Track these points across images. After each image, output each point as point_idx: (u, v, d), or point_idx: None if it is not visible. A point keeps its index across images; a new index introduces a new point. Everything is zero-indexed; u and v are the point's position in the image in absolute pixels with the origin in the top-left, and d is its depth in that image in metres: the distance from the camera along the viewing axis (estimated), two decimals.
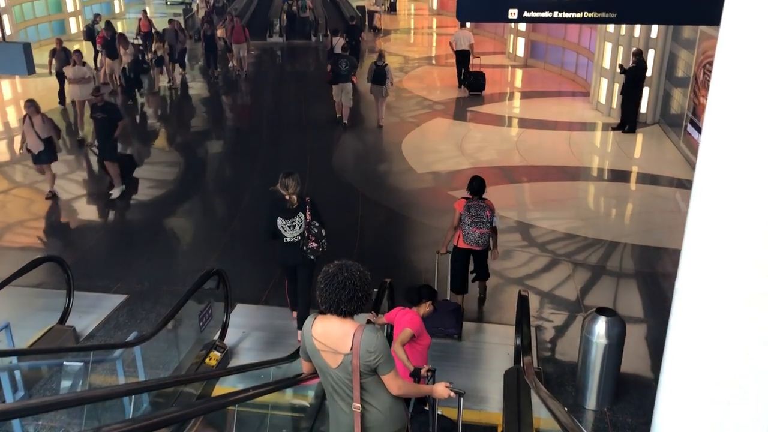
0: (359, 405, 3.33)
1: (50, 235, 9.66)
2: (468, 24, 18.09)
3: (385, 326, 5.25)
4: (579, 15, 7.71)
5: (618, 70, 13.59)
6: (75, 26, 25.61)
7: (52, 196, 10.27)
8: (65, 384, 4.87)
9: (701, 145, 2.30)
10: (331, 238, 6.49)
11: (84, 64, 13.30)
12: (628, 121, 13.47)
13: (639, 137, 13.35)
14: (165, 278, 8.08)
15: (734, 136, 2.16)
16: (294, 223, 6.30)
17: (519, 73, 19.55)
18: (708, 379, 2.31)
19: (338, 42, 16.21)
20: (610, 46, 14.47)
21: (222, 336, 6.54)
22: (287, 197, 6.25)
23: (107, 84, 16.41)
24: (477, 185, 6.88)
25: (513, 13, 7.87)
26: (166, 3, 31.03)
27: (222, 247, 8.97)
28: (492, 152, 12.61)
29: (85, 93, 12.80)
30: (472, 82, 16.58)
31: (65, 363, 4.83)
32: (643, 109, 13.79)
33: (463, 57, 16.98)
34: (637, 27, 13.59)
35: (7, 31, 19.69)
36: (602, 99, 14.87)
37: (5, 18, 19.68)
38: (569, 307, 7.56)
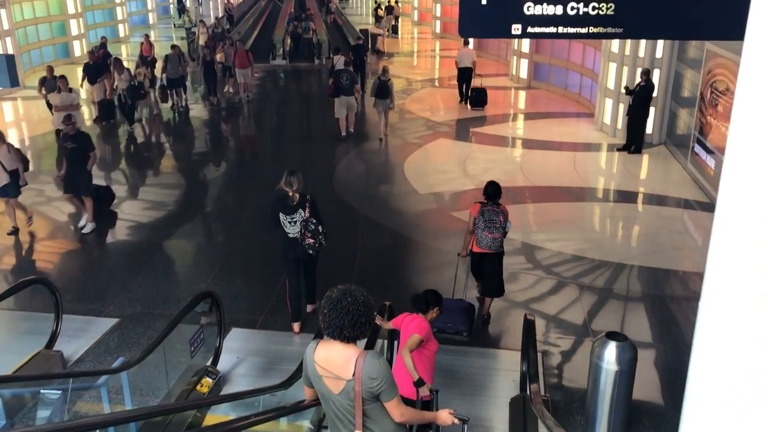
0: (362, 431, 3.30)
1: (40, 258, 9.42)
2: (471, 43, 18.19)
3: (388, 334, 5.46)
4: (584, 30, 7.53)
5: (623, 92, 13.43)
6: (79, 49, 25.64)
7: (14, 231, 9.65)
8: (42, 414, 4.61)
9: (725, 162, 2.09)
10: (330, 259, 6.54)
11: (71, 90, 12.73)
12: (634, 141, 13.27)
13: (645, 158, 13.13)
14: (158, 301, 7.84)
15: (759, 151, 1.95)
16: (294, 219, 6.71)
17: (522, 94, 19.41)
18: (734, 400, 2.07)
19: (339, 60, 16.53)
20: (614, 66, 14.32)
21: (215, 362, 6.27)
22: (290, 194, 6.66)
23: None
24: (492, 190, 7.02)
25: (516, 28, 7.70)
26: (173, 26, 31.06)
27: (218, 270, 8.73)
28: (496, 173, 12.36)
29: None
30: (474, 98, 17.11)
31: (43, 391, 4.57)
32: (648, 129, 13.59)
33: (465, 74, 17.46)
34: (642, 47, 13.45)
35: (10, 53, 19.70)
36: (607, 120, 14.68)
37: (8, 40, 19.68)
38: (576, 332, 7.29)
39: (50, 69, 14.49)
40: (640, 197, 11.46)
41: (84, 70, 16.59)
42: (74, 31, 25.68)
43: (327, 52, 24.23)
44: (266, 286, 8.17)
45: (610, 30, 7.60)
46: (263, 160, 14.19)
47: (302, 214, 6.68)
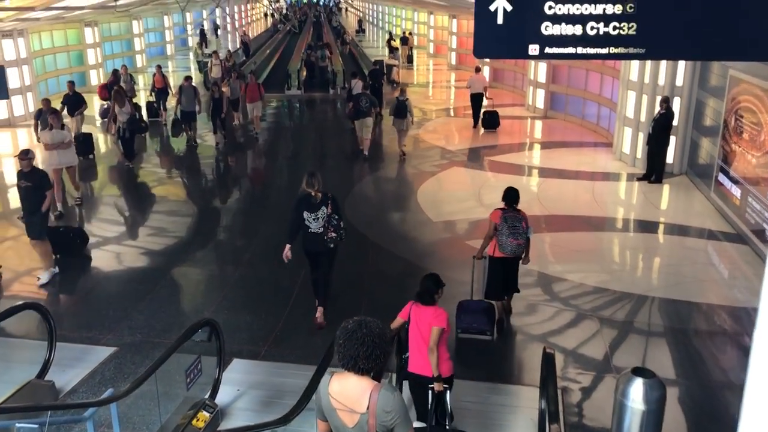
0: None
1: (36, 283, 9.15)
2: (486, 62, 18.16)
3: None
4: (605, 51, 7.23)
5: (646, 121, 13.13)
6: (96, 79, 25.79)
7: None
8: None
9: None
10: (341, 287, 7.19)
11: (63, 127, 11.50)
12: (655, 171, 12.89)
13: (666, 187, 12.74)
14: (159, 330, 7.53)
15: None
16: (317, 216, 7.31)
17: (539, 124, 19.14)
18: None
19: (357, 84, 17.06)
20: (633, 95, 14.02)
21: (213, 394, 5.92)
22: (313, 193, 7.27)
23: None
24: (512, 195, 7.23)
25: (534, 49, 7.40)
26: (197, 57, 31.11)
27: (222, 299, 8.42)
28: None
29: (65, 159, 11.45)
30: (487, 120, 17.91)
31: (18, 425, 4.24)
32: (669, 158, 13.22)
33: (477, 99, 18.18)
34: (662, 74, 13.14)
35: (27, 81, 19.78)
36: (626, 149, 14.33)
37: (26, 68, 19.75)
38: (597, 367, 6.87)
39: (46, 102, 13.29)
40: (662, 227, 11.06)
41: (63, 102, 15.76)
42: (91, 61, 25.87)
43: (342, 82, 24.19)
44: (271, 317, 7.85)
45: (631, 50, 7.28)
46: (272, 191, 13.95)
47: (325, 211, 7.28)
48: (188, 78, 16.63)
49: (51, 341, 6.30)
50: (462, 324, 7.20)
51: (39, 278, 8.86)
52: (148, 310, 8.00)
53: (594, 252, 10.04)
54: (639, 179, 13.12)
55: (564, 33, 7.61)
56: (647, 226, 11.05)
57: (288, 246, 7.41)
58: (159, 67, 20.03)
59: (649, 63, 13.31)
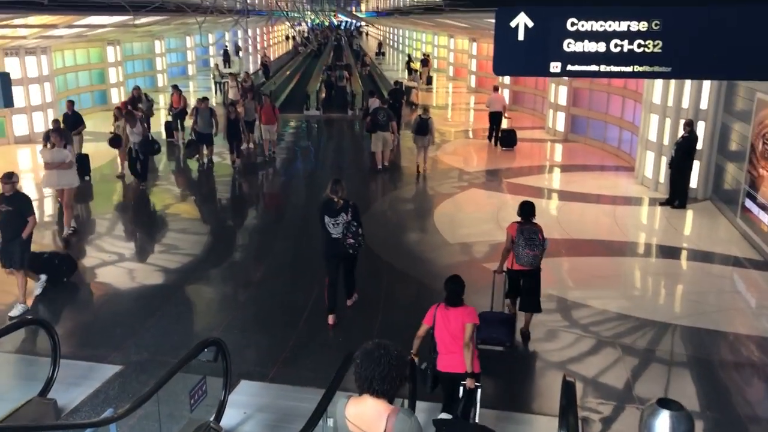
0: None
1: (45, 298, 9.01)
2: (506, 83, 18.11)
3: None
4: (629, 69, 7.02)
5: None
6: (117, 97, 25.96)
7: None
8: None
9: None
10: (353, 309, 7.35)
11: (65, 146, 10.82)
12: (678, 195, 12.59)
13: (689, 213, 12.42)
14: (167, 348, 7.34)
15: None
16: (337, 222, 7.61)
17: (559, 147, 18.90)
18: None
19: (374, 102, 17.58)
20: (656, 118, 13.76)
21: (218, 417, 5.71)
22: (335, 199, 7.59)
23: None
24: (528, 209, 7.39)
25: (555, 66, 7.21)
26: (215, 78, 31.30)
27: (232, 318, 8.24)
28: None
29: (65, 181, 10.76)
30: (504, 139, 18.21)
31: None
32: (693, 183, 12.91)
33: (495, 118, 18.50)
34: (686, 98, 12.89)
35: (48, 98, 19.94)
36: (648, 173, 14.04)
37: (47, 85, 19.91)
38: (619, 397, 6.58)
39: (55, 121, 13.09)
40: (685, 254, 10.74)
41: (63, 121, 14.73)
42: (113, 79, 26.07)
43: (360, 103, 24.16)
44: (281, 338, 7.65)
45: (657, 69, 7.07)
46: (286, 211, 13.81)
47: (345, 218, 7.56)
48: (204, 99, 16.15)
49: (55, 358, 6.13)
50: (481, 335, 6.91)
51: (9, 313, 8.06)
52: (156, 328, 7.83)
53: (615, 278, 9.75)
54: (661, 204, 12.82)
55: (587, 50, 7.42)
56: (670, 252, 10.74)
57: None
58: (176, 87, 19.90)
59: (672, 85, 13.08)
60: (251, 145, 18.30)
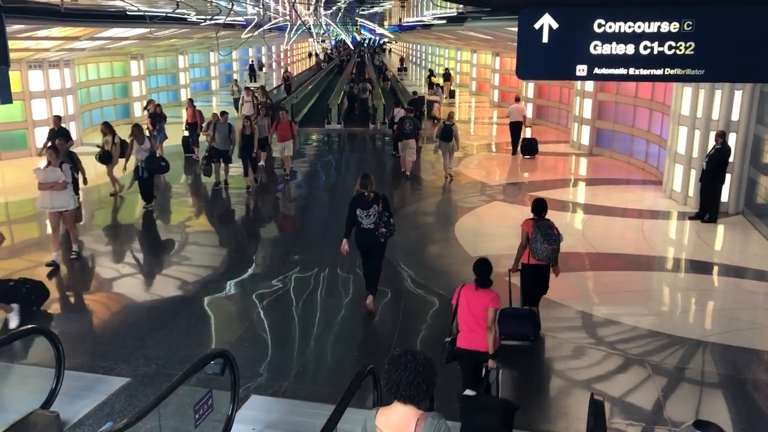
0: None
1: (53, 308, 8.85)
2: (529, 97, 17.87)
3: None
4: (659, 72, 6.69)
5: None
6: (139, 111, 26.07)
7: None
8: None
9: None
10: (371, 322, 7.32)
11: (61, 165, 9.90)
12: (709, 209, 12.16)
13: (721, 227, 11.98)
14: (176, 361, 7.10)
15: None
16: (369, 213, 8.12)
17: (584, 161, 18.52)
18: None
19: (399, 112, 18.30)
20: (685, 130, 13.36)
21: None
22: (366, 193, 8.09)
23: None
24: (541, 206, 7.65)
25: (581, 69, 6.91)
26: (233, 94, 31.30)
27: (244, 331, 7.98)
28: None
29: (59, 202, 9.87)
30: (526, 147, 18.59)
31: None
32: (724, 197, 12.47)
33: (516, 127, 18.92)
34: (716, 109, 12.49)
35: (71, 111, 20.01)
36: (677, 187, 13.62)
37: (70, 98, 19.99)
38: (649, 418, 6.20)
39: (52, 136, 12.42)
40: (717, 269, 10.30)
41: (49, 137, 14.07)
42: (136, 93, 26.20)
43: (382, 117, 24.01)
44: (294, 351, 7.39)
45: (689, 72, 6.72)
46: (303, 230, 13.56)
47: (376, 209, 8.08)
48: (224, 113, 15.06)
49: (59, 369, 5.91)
50: (506, 329, 7.14)
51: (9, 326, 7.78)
52: (167, 341, 7.60)
53: (644, 293, 9.35)
54: (691, 218, 12.39)
55: (615, 52, 7.09)
56: (701, 267, 10.32)
57: (345, 240, 8.20)
58: (191, 101, 19.44)
59: (702, 96, 12.68)
60: (262, 163, 16.86)
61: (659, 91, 15.93)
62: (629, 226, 12.22)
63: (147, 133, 15.79)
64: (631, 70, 6.54)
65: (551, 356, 7.43)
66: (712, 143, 12.18)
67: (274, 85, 35.04)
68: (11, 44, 16.03)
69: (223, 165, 15.20)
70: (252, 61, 46.53)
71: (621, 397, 6.52)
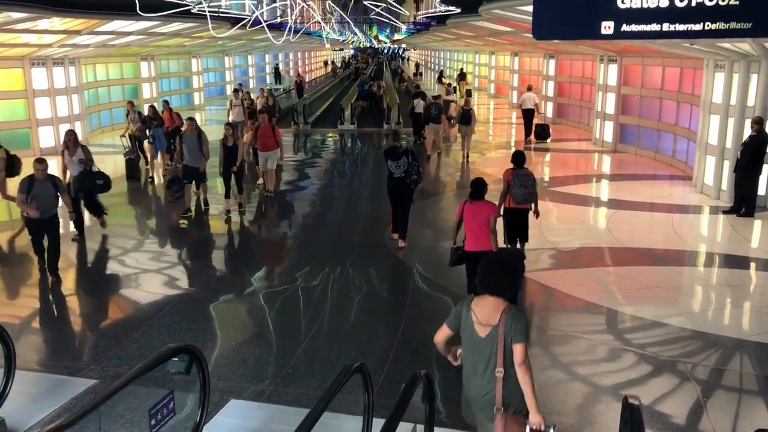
0: (501, 369, 3.83)
1: (17, 303, 8.16)
2: (549, 96, 17.00)
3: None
4: (698, 27, 5.83)
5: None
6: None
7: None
8: None
9: None
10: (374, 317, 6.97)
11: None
12: (745, 203, 11.21)
13: (758, 222, 11.02)
14: None
15: None
16: (399, 164, 9.46)
17: (607, 158, 17.58)
18: None
19: (418, 103, 19.50)
20: (717, 119, 12.43)
21: None
22: (398, 145, 9.58)
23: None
24: (520, 157, 8.66)
25: (607, 27, 6.04)
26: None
27: (229, 330, 7.22)
28: (578, 233, 10.62)
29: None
30: (539, 132, 19.67)
31: None
32: (761, 190, 11.51)
33: (528, 114, 20.08)
34: (752, 94, 11.55)
35: (75, 111, 19.50)
36: (708, 180, 12.68)
37: (75, 98, 19.48)
38: (688, 424, 5.33)
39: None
40: (755, 264, 9.36)
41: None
42: (146, 95, 25.70)
43: (397, 117, 23.29)
44: (283, 351, 6.62)
45: (734, 26, 5.82)
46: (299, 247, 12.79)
47: (406, 161, 9.41)
48: (190, 120, 11.84)
49: (9, 369, 5.16)
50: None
51: None
52: (144, 339, 6.85)
53: (676, 288, 8.45)
54: (725, 212, 11.45)
55: (646, 5, 6.16)
56: (737, 262, 9.38)
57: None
58: (166, 102, 16.73)
59: (736, 81, 11.76)
60: (260, 182, 13.95)
61: (687, 81, 15.02)
62: (658, 221, 11.32)
63: (127, 141, 15.06)
64: (666, 26, 5.70)
65: (577, 359, 6.58)
66: (747, 131, 11.27)
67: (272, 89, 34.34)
68: (11, 38, 15.64)
69: (196, 187, 12.05)
70: (278, 63, 46.22)
71: (655, 401, 5.65)
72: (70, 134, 10.52)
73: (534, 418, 3.75)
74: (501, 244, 7.99)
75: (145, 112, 16.23)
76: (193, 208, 12.28)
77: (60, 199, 8.69)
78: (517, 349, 3.78)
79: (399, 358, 6.40)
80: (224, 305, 8.14)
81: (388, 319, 7.47)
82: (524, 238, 8.87)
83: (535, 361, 6.39)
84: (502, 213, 8.46)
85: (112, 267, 9.51)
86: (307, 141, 22.27)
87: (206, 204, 12.43)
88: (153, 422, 4.26)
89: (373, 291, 8.46)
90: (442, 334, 4.16)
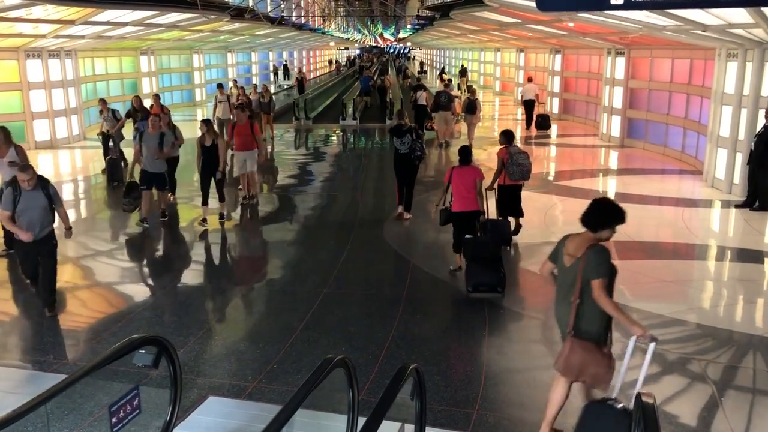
0: (577, 298, 4.30)
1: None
2: (555, 92, 16.61)
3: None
4: None
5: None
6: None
7: None
8: None
9: None
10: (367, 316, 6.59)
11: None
12: (758, 196, 10.76)
13: None
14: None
15: None
16: (404, 141, 10.12)
17: (614, 153, 17.13)
18: None
19: (421, 96, 19.57)
20: (729, 110, 11.97)
21: None
22: (403, 123, 10.25)
23: None
24: (510, 135, 9.04)
25: None
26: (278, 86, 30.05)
27: (215, 323, 6.83)
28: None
29: None
30: (540, 122, 20.28)
31: None
32: None
33: (529, 105, 20.86)
34: (766, 84, 11.10)
35: (72, 104, 19.15)
36: (720, 174, 12.23)
37: (71, 90, 19.13)
38: (706, 425, 4.91)
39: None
40: None
41: None
42: (146, 89, 25.34)
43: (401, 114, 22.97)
44: (269, 346, 6.20)
45: None
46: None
47: (410, 138, 10.09)
48: (155, 116, 10.63)
49: None
50: (473, 282, 7.32)
51: None
52: (123, 333, 6.43)
53: (689, 282, 8.02)
54: (738, 206, 11.00)
55: None
56: (751, 256, 8.94)
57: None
58: (157, 96, 15.43)
59: (749, 70, 11.31)
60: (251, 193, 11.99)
61: (698, 73, 14.56)
62: (667, 215, 10.88)
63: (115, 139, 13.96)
64: None
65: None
66: (761, 122, 10.82)
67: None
68: (5, 28, 15.28)
69: (157, 193, 10.61)
70: (286, 61, 46.01)
71: (667, 401, 5.23)
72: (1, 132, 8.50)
73: (635, 330, 4.16)
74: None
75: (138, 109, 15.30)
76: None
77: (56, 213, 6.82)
78: (593, 285, 4.20)
79: (393, 354, 5.99)
80: (209, 298, 7.76)
81: (383, 312, 7.05)
82: (519, 215, 9.18)
83: (541, 358, 5.99)
84: (496, 189, 8.94)
85: (88, 264, 9.14)
86: (306, 136, 21.88)
87: (164, 216, 10.63)
88: (114, 420, 3.86)
89: (369, 284, 8.07)
90: (545, 266, 4.74)
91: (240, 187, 12.22)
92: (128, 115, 14.55)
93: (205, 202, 10.36)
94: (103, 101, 15.15)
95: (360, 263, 8.74)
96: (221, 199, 10.50)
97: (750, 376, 5.79)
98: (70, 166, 16.84)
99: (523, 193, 12.08)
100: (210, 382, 5.45)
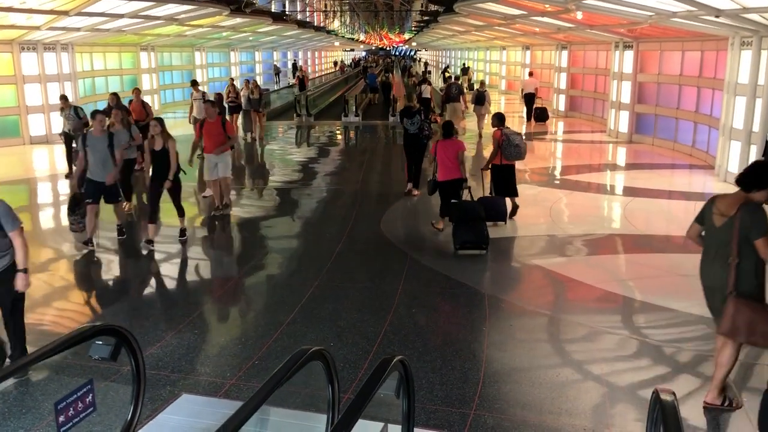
0: (736, 258, 4.29)
1: None
2: (561, 89, 16.22)
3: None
4: None
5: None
6: (156, 104, 24.92)
7: None
8: None
9: None
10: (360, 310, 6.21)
11: None
12: None
13: None
14: None
15: None
16: (413, 122, 11.13)
17: (622, 149, 16.64)
18: None
19: (426, 89, 20.68)
20: (743, 101, 11.50)
21: None
22: (412, 106, 12.17)
23: None
24: (502, 117, 9.38)
25: None
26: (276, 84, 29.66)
27: (196, 317, 6.38)
28: (592, 219, 9.74)
29: None
30: (539, 115, 21.45)
31: None
32: None
33: (529, 98, 21.76)
34: None
35: (68, 98, 18.73)
36: (732, 167, 11.74)
37: (68, 85, 18.74)
38: (726, 426, 4.45)
39: None
40: None
41: None
42: (146, 86, 24.97)
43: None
44: (252, 341, 5.76)
45: None
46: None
47: (418, 119, 11.10)
48: (96, 115, 8.81)
49: None
50: (459, 240, 8.07)
51: None
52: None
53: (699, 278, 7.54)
54: None
55: None
56: None
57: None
58: (137, 91, 14.61)
59: (764, 59, 10.84)
60: (206, 194, 10.92)
61: (709, 65, 14.08)
62: (677, 209, 10.41)
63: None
64: None
65: (593, 353, 5.71)
66: None
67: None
68: None
69: (117, 206, 8.81)
70: (296, 60, 45.77)
71: (687, 398, 4.77)
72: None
73: None
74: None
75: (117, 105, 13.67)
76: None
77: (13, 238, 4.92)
78: (759, 245, 4.19)
79: (385, 349, 5.55)
80: (189, 290, 7.34)
81: (377, 305, 6.60)
82: (514, 194, 9.42)
83: (548, 357, 5.54)
84: (491, 170, 9.32)
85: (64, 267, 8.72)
86: (307, 133, 21.49)
87: (121, 234, 8.88)
88: (61, 419, 3.42)
89: (363, 277, 7.62)
90: (692, 229, 4.75)
91: (205, 194, 10.87)
92: (94, 114, 12.69)
93: (152, 219, 8.49)
94: (64, 98, 13.69)
95: (356, 256, 8.31)
96: (180, 213, 8.71)
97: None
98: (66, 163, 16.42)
99: (530, 189, 11.82)
100: (185, 379, 5.02)
